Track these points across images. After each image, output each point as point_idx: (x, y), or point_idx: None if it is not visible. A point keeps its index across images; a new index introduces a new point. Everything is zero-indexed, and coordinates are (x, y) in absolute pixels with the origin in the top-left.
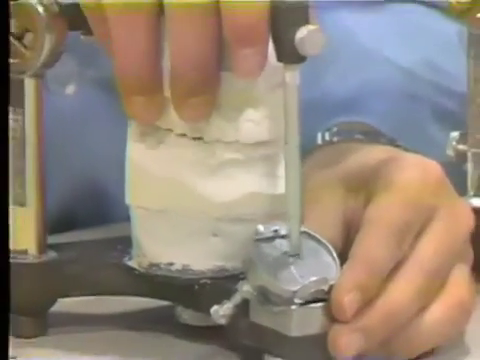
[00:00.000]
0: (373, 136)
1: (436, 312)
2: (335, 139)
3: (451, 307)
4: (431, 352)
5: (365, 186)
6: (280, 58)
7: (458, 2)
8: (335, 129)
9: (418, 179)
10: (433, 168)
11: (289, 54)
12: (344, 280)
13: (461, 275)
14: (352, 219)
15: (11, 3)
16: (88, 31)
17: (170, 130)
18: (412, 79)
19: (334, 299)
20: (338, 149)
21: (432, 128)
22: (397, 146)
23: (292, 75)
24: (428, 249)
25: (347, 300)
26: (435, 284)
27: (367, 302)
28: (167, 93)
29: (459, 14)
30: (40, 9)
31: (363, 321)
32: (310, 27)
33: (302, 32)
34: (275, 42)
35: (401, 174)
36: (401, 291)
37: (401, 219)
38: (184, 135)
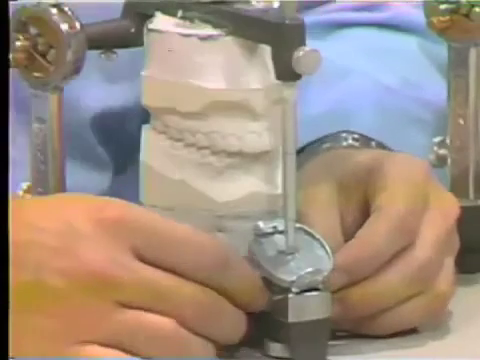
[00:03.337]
0: (364, 141)
1: (420, 303)
2: (334, 145)
3: (434, 301)
4: (415, 330)
5: (358, 186)
6: (279, 77)
7: (439, 21)
8: (331, 137)
9: (412, 173)
10: (421, 163)
11: (287, 73)
12: (335, 258)
13: (448, 270)
14: (344, 216)
15: (37, 22)
16: (107, 49)
17: (180, 140)
18: (389, 90)
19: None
20: (333, 155)
21: (411, 136)
22: (385, 149)
23: (290, 92)
24: (428, 237)
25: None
26: (430, 272)
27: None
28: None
29: (439, 31)
30: (63, 27)
31: (344, 295)
32: (306, 48)
33: (299, 52)
34: (274, 62)
35: (397, 170)
36: (394, 275)
37: (406, 209)
38: (193, 145)
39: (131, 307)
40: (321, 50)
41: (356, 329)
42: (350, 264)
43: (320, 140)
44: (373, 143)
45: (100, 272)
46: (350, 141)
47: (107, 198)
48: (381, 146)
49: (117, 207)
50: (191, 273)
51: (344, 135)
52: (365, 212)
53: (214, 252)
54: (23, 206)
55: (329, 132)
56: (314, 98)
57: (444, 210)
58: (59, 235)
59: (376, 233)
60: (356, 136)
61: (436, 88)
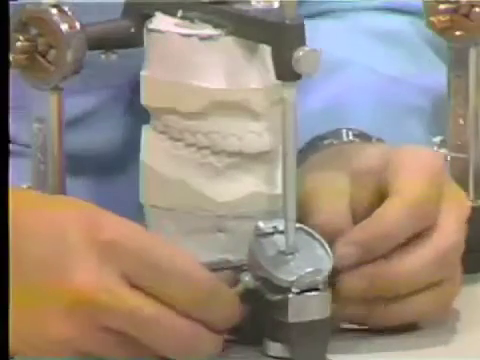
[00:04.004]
0: (364, 137)
1: (428, 299)
2: (334, 142)
3: (441, 299)
4: (415, 326)
5: (371, 178)
6: (279, 77)
7: (439, 21)
8: (330, 134)
9: (428, 164)
10: (436, 155)
11: (287, 73)
12: (350, 233)
13: (458, 270)
14: (354, 209)
15: (37, 22)
16: (107, 49)
17: (180, 140)
18: (387, 79)
19: (336, 248)
20: (340, 149)
21: (409, 125)
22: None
23: (290, 92)
24: (450, 222)
25: (344, 252)
26: (454, 258)
27: (370, 260)
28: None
29: (440, 31)
30: (63, 27)
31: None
32: (306, 48)
33: (299, 53)
34: (274, 62)
35: (413, 160)
36: (415, 259)
37: (423, 193)
38: (193, 145)
39: (118, 332)
40: (318, 36)
41: (365, 319)
42: (366, 240)
43: (319, 137)
44: (373, 140)
45: (86, 296)
46: (351, 137)
47: (106, 215)
48: (381, 142)
49: (114, 229)
50: (176, 303)
51: (344, 131)
52: (378, 205)
53: (200, 284)
54: (18, 206)
55: (327, 125)
56: (312, 90)
57: (459, 201)
58: (51, 247)
59: (393, 211)
60: (356, 132)
61: (435, 74)
